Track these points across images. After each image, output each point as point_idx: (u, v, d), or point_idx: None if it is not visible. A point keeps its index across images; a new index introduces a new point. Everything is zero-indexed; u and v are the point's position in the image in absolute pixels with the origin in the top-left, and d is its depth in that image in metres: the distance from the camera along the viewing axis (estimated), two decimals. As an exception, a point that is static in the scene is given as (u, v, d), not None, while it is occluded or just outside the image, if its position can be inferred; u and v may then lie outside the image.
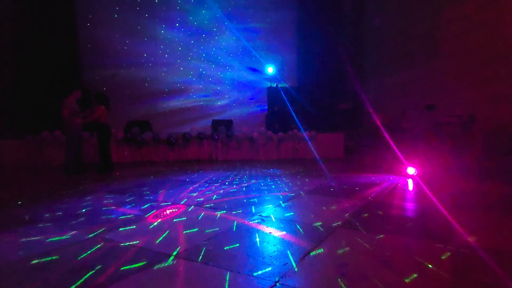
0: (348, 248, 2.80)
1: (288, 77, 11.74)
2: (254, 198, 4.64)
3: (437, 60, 8.57)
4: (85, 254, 2.71)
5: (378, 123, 7.36)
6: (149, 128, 9.70)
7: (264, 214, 3.80)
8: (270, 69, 11.15)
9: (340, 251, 2.73)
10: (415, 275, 2.28)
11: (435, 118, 6.80)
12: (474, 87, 7.34)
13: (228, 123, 9.90)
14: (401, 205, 4.23)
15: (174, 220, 3.63)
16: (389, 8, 10.48)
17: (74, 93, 7.23)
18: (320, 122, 10.22)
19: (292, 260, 2.55)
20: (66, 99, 7.11)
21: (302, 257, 2.61)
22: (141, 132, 9.06)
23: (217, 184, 5.67)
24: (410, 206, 4.22)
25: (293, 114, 9.59)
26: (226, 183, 5.80)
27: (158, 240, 3.01)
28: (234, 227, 3.38)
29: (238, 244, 2.89)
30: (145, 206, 4.27)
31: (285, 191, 5.08)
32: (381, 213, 3.85)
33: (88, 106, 7.85)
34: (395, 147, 6.01)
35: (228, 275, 2.31)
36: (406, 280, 2.22)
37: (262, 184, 5.62)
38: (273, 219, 3.62)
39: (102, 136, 7.34)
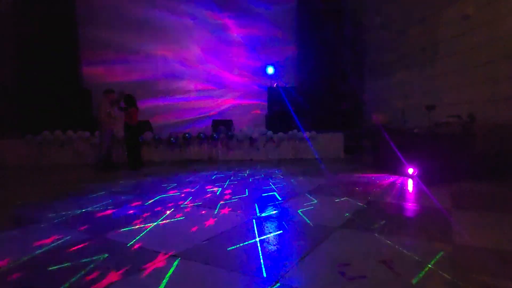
0: (348, 248, 2.80)
1: (288, 77, 11.75)
2: (254, 198, 4.64)
3: (437, 60, 8.56)
4: (83, 252, 2.71)
5: (378, 123, 7.37)
6: (149, 128, 9.70)
7: (264, 214, 3.81)
8: (270, 69, 11.15)
9: (340, 251, 2.74)
10: (415, 275, 2.28)
11: (435, 118, 6.78)
12: (473, 87, 7.33)
13: (228, 123, 9.91)
14: (400, 205, 4.24)
15: (174, 220, 3.64)
16: (389, 8, 10.48)
17: (108, 95, 7.49)
18: (320, 122, 10.23)
19: (292, 260, 2.56)
20: (101, 101, 7.44)
21: (302, 257, 2.61)
22: (141, 132, 9.06)
23: (217, 184, 5.68)
24: (409, 206, 4.22)
25: (293, 114, 9.60)
26: (226, 183, 5.80)
27: (158, 240, 3.01)
28: (234, 227, 3.38)
29: (238, 244, 2.89)
30: (146, 205, 4.28)
31: (285, 191, 5.09)
32: (381, 213, 3.85)
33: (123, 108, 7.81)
34: (395, 147, 6.00)
35: (228, 275, 2.32)
36: (406, 280, 2.22)
37: (262, 184, 5.63)
38: (273, 219, 3.63)
39: (135, 137, 7.90)
